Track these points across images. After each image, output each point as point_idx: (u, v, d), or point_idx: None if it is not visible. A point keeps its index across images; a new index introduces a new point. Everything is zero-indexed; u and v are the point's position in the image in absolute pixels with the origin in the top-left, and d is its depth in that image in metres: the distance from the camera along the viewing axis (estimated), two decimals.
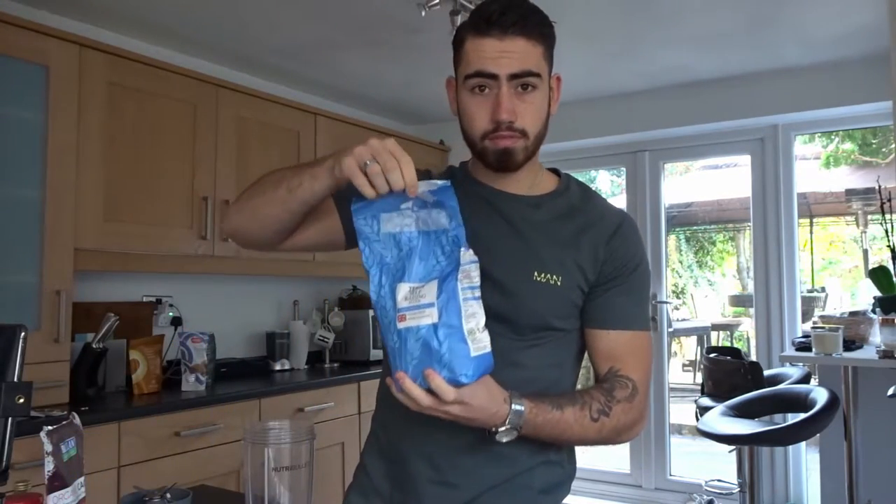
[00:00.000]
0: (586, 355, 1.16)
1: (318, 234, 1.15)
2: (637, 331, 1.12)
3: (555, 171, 1.21)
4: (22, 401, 0.81)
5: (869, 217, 5.42)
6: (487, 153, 1.06)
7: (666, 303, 3.93)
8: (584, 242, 1.10)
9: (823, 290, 6.09)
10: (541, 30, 1.07)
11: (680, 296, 7.00)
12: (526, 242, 1.09)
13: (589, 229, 1.11)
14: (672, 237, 6.52)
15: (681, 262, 7.06)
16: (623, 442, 1.10)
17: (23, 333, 0.83)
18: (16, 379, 0.82)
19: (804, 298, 4.25)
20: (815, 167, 5.90)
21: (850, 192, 5.74)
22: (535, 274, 1.06)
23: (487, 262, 1.02)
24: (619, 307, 1.11)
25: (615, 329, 1.10)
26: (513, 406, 0.95)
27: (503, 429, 0.95)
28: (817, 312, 4.83)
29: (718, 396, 2.91)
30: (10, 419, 0.80)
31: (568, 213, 1.13)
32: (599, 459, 4.02)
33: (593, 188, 1.22)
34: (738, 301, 6.55)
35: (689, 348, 6.85)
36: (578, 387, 1.16)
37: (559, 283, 1.07)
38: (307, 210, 1.04)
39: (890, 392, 2.49)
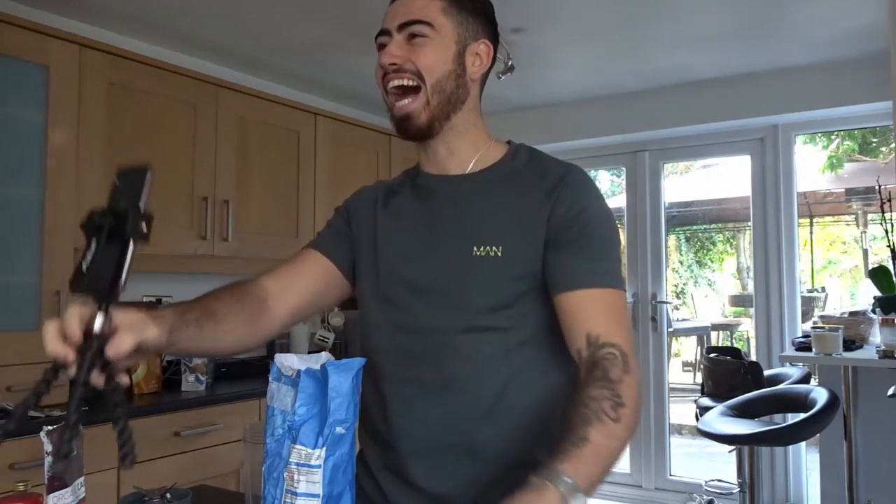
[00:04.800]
0: None
1: (310, 295, 1.12)
2: (603, 288, 0.99)
3: (509, 143, 1.15)
4: (146, 230, 0.83)
5: (869, 217, 5.43)
6: (393, 121, 1.07)
7: (666, 303, 3.93)
8: (526, 203, 1.03)
9: (823, 290, 6.10)
10: None
11: (680, 296, 7.01)
12: (464, 220, 1.06)
13: (530, 189, 1.04)
14: (672, 237, 6.53)
15: (681, 262, 7.06)
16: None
17: (148, 174, 0.87)
18: (143, 210, 0.84)
19: (804, 298, 4.26)
20: (816, 168, 5.89)
21: (850, 192, 5.74)
22: (475, 249, 1.02)
23: (427, 252, 1.05)
24: (576, 265, 0.99)
25: (575, 289, 0.98)
26: (555, 482, 0.82)
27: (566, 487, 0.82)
28: (817, 312, 4.83)
29: (718, 396, 2.91)
30: (133, 241, 0.81)
31: (508, 178, 1.07)
32: None
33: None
34: (738, 301, 6.55)
35: (689, 348, 6.85)
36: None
37: (500, 254, 1.01)
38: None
39: (890, 392, 2.49)
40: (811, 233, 6.11)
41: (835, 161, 5.88)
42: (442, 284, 1.03)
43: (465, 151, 1.10)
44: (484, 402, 1.00)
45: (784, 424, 2.46)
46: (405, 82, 1.03)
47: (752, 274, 3.74)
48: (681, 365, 6.72)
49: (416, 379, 1.03)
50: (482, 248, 1.02)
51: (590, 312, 0.98)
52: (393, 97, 1.05)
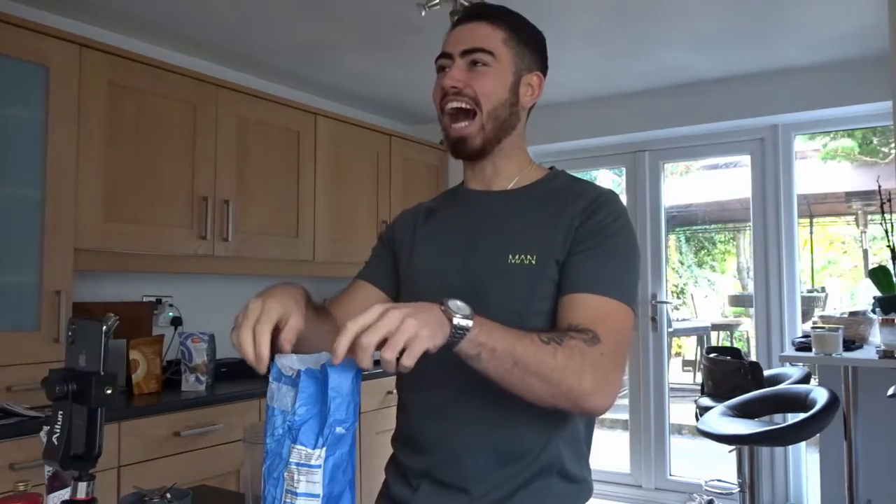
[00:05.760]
0: None
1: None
2: (605, 296, 1.00)
3: (551, 169, 1.23)
4: (109, 392, 0.87)
5: (869, 217, 5.43)
6: (448, 141, 1.14)
7: (666, 303, 3.93)
8: (561, 218, 1.09)
9: (823, 290, 6.10)
10: (507, 19, 1.13)
11: (680, 296, 7.00)
12: (502, 231, 1.12)
13: (567, 207, 1.10)
14: (672, 237, 6.53)
15: (681, 262, 7.06)
16: (585, 406, 0.95)
17: (104, 327, 0.89)
18: (104, 373, 0.87)
19: (804, 298, 4.25)
20: (815, 161, 5.90)
21: (851, 193, 5.74)
22: (510, 257, 1.08)
23: (465, 261, 1.12)
24: (587, 270, 1.03)
25: (577, 292, 1.01)
26: (445, 299, 0.87)
27: (451, 304, 0.86)
28: (817, 312, 4.83)
29: (718, 396, 2.91)
30: (100, 409, 0.87)
31: (548, 197, 1.14)
32: (599, 459, 4.02)
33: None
34: (738, 301, 6.55)
35: (689, 348, 6.85)
36: None
37: (534, 262, 1.06)
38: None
39: (890, 392, 2.49)
40: (811, 233, 6.11)
41: (830, 153, 5.89)
42: (477, 290, 1.07)
43: (509, 171, 1.17)
44: (514, 406, 0.99)
45: (784, 424, 2.45)
46: (463, 105, 1.10)
47: (752, 274, 3.74)
48: (681, 365, 6.73)
49: (448, 383, 1.06)
50: (517, 257, 1.07)
51: (582, 311, 1.00)
52: (449, 118, 1.12)
